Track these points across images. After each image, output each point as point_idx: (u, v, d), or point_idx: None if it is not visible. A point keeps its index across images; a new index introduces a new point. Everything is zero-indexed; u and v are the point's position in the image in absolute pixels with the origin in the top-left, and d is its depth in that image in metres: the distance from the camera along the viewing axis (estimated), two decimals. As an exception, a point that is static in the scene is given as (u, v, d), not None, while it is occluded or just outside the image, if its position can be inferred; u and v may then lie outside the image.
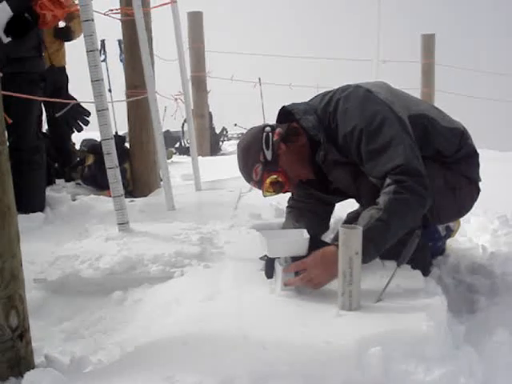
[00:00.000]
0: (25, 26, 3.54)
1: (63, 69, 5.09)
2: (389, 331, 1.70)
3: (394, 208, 1.99)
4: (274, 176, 2.29)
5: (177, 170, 5.84)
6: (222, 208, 3.58)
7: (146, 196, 4.52)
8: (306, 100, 2.43)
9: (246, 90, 10.92)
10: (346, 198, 2.54)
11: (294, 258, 2.06)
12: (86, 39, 2.82)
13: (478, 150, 2.44)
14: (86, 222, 3.40)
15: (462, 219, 2.75)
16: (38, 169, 3.87)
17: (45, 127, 5.14)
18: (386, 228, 1.98)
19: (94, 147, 5.03)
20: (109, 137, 2.92)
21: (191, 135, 4.74)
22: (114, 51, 6.06)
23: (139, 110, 4.70)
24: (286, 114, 2.39)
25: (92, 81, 2.87)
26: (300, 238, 2.10)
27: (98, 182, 4.73)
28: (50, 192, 4.20)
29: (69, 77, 5.12)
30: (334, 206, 2.61)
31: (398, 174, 2.02)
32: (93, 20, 2.82)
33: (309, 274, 2.01)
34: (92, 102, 2.93)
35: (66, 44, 5.12)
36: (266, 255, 2.18)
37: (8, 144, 1.66)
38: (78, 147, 5.58)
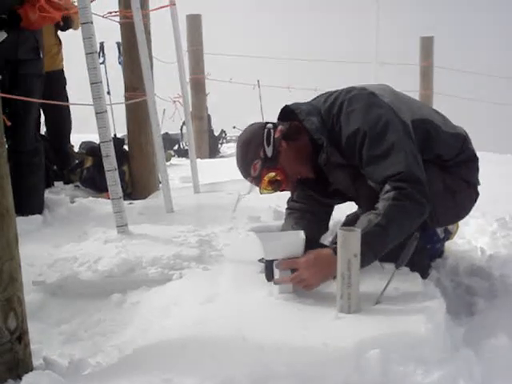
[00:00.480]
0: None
1: (62, 72, 5.09)
2: (387, 334, 1.71)
3: (393, 214, 1.99)
4: (273, 174, 2.27)
5: (175, 172, 5.84)
6: (220, 210, 3.58)
7: (144, 198, 4.51)
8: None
9: (245, 93, 10.92)
10: (344, 201, 2.54)
11: (292, 258, 2.06)
12: (85, 41, 2.82)
13: (477, 153, 2.45)
14: (85, 224, 3.40)
15: (460, 221, 2.75)
16: (36, 171, 3.87)
17: (43, 129, 5.14)
18: (383, 233, 1.98)
19: (92, 149, 5.03)
20: (107, 139, 2.92)
21: (190, 137, 4.74)
22: (112, 53, 6.07)
23: (138, 112, 4.70)
24: (288, 113, 2.37)
25: (91, 83, 2.87)
26: (296, 238, 2.10)
27: (96, 185, 4.73)
28: (48, 194, 4.20)
29: (66, 80, 5.12)
30: (333, 207, 2.61)
31: (399, 180, 2.02)
32: (92, 22, 2.82)
33: (300, 275, 2.01)
34: (91, 105, 2.93)
35: (65, 46, 5.12)
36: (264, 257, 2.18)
37: (7, 146, 1.66)
38: (76, 149, 5.58)
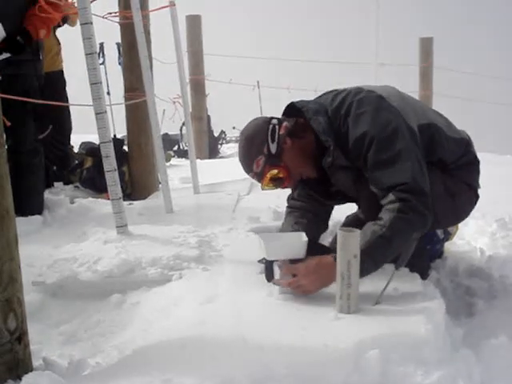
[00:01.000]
0: (17, 48, 3.61)
1: (61, 72, 5.08)
2: (387, 334, 1.71)
3: (398, 227, 1.99)
4: (275, 171, 2.25)
5: (175, 172, 5.84)
6: (220, 211, 3.57)
7: (144, 199, 4.51)
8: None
9: (245, 93, 10.93)
10: (345, 202, 2.54)
11: (293, 261, 2.07)
12: (85, 42, 2.82)
13: (477, 154, 2.45)
14: (85, 224, 3.40)
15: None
16: (36, 171, 3.87)
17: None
18: (387, 245, 1.99)
19: (92, 150, 5.02)
20: (107, 140, 2.92)
21: (189, 138, 4.75)
22: (112, 54, 6.07)
23: (138, 112, 4.69)
24: (293, 111, 2.34)
25: (91, 84, 2.87)
26: (298, 240, 2.10)
27: (96, 185, 4.73)
28: (48, 195, 4.19)
29: (66, 81, 5.11)
30: (333, 206, 2.60)
31: (403, 191, 2.02)
32: (92, 23, 2.82)
33: (298, 281, 2.02)
34: (90, 105, 2.93)
35: (65, 47, 5.11)
36: (264, 258, 2.18)
37: (6, 147, 1.66)
38: (76, 150, 5.58)
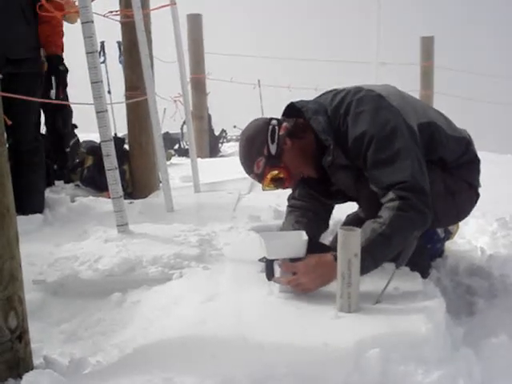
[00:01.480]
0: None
1: (59, 58, 4.92)
2: (387, 333, 1.71)
3: (398, 225, 1.99)
4: (276, 171, 2.26)
5: (176, 171, 5.83)
6: (221, 210, 3.58)
7: (145, 197, 4.51)
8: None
9: (246, 92, 10.93)
10: (345, 201, 2.54)
11: (293, 260, 2.07)
12: (86, 41, 2.82)
13: (478, 153, 2.44)
14: (86, 223, 3.40)
15: (460, 221, 2.75)
16: (37, 170, 3.87)
17: (43, 129, 5.13)
18: (387, 243, 1.99)
19: (93, 149, 5.02)
20: (108, 138, 2.92)
21: (190, 137, 4.75)
22: (113, 53, 6.07)
23: (138, 111, 4.69)
24: (293, 111, 2.34)
25: (91, 82, 2.87)
26: (299, 239, 2.10)
27: (97, 184, 4.73)
28: (49, 193, 4.20)
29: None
30: (334, 205, 2.60)
31: (403, 189, 2.02)
32: (92, 22, 2.82)
33: (298, 279, 2.02)
34: (91, 104, 2.93)
35: (65, 46, 5.08)
36: (264, 257, 2.18)
37: (7, 145, 1.66)
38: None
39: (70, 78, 5.02)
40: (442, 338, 1.75)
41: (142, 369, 1.60)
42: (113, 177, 2.94)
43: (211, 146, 9.19)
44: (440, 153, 2.29)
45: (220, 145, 10.30)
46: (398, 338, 1.68)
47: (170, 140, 9.54)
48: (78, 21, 3.12)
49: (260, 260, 2.31)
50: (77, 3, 2.91)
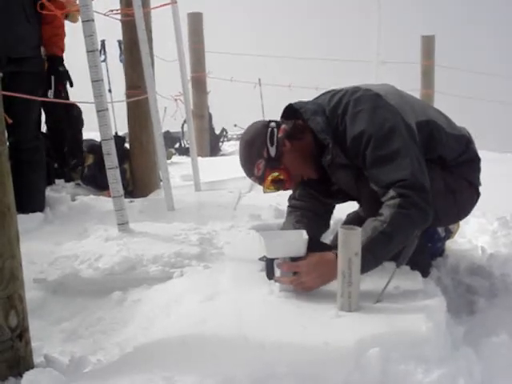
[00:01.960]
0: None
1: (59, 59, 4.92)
2: (388, 332, 1.71)
3: (399, 222, 1.99)
4: (276, 173, 2.27)
5: (176, 170, 5.84)
6: (221, 208, 3.58)
7: (145, 196, 4.51)
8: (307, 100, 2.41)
9: (246, 91, 10.93)
10: (346, 201, 2.54)
11: (294, 259, 2.07)
12: (87, 39, 2.82)
13: (478, 151, 2.44)
14: (86, 222, 3.40)
15: (461, 220, 2.75)
16: (37, 169, 3.87)
17: (43, 128, 5.13)
18: (388, 241, 1.99)
19: (93, 147, 5.02)
20: (109, 137, 2.92)
21: (191, 136, 4.74)
22: (114, 51, 6.06)
23: (139, 110, 4.69)
24: (291, 112, 2.36)
25: (92, 81, 2.87)
26: (299, 238, 2.10)
27: (97, 183, 4.73)
28: (49, 192, 4.19)
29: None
30: (334, 205, 2.60)
31: (403, 187, 2.02)
32: (93, 20, 2.82)
33: (299, 278, 2.02)
34: (92, 103, 2.93)
35: (65, 45, 5.08)
36: (265, 256, 2.18)
37: (8, 144, 1.66)
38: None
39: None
40: (443, 337, 1.75)
41: (142, 367, 1.60)
42: (113, 175, 2.94)
43: (212, 144, 9.19)
44: (439, 151, 2.29)
45: (220, 144, 10.31)
46: (398, 337, 1.68)
47: (170, 139, 9.54)
48: (79, 20, 3.12)
49: (260, 259, 2.31)
50: (77, 2, 2.91)
